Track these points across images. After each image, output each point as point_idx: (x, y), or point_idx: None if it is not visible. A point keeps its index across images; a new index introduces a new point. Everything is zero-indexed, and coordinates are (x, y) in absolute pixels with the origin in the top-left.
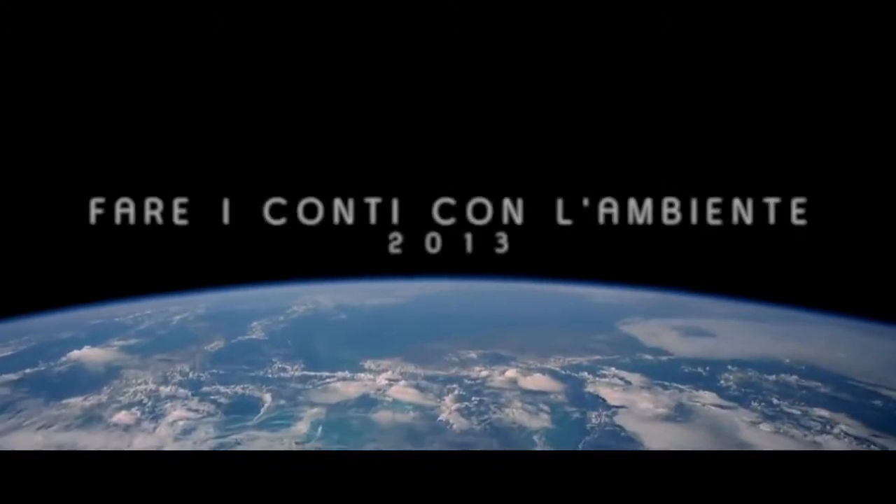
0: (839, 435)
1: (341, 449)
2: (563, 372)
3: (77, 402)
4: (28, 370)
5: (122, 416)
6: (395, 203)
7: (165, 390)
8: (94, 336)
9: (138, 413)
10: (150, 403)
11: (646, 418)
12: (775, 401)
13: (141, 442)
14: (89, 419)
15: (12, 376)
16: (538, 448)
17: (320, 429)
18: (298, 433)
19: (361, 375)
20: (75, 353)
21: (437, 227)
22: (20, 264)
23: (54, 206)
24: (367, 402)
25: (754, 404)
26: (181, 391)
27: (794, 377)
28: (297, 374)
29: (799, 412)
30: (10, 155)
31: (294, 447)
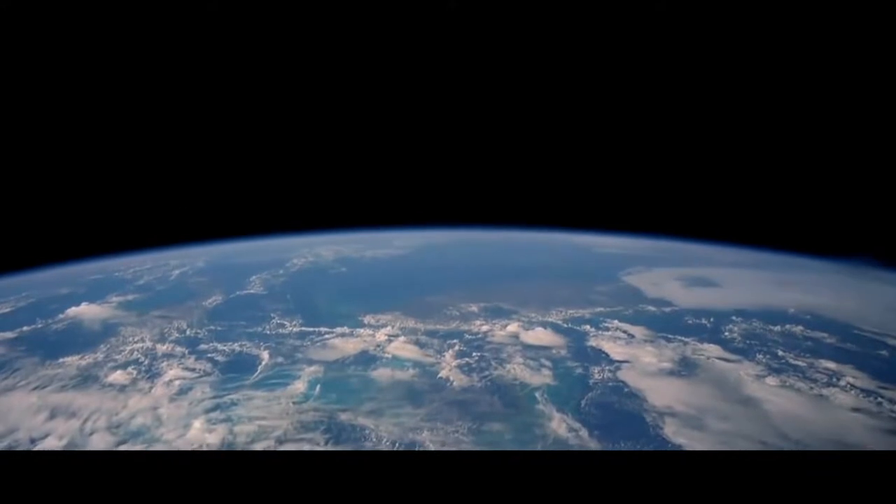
0: (846, 387)
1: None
2: (565, 325)
3: (73, 361)
4: (25, 328)
5: (118, 376)
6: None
7: (162, 348)
8: (92, 292)
9: (134, 372)
10: (146, 362)
11: (649, 373)
12: (780, 352)
13: (136, 402)
14: (85, 379)
15: (9, 334)
16: (540, 406)
17: (318, 388)
18: (296, 392)
19: (361, 331)
20: (73, 310)
21: (438, 176)
22: (22, 219)
23: (54, 161)
24: (365, 359)
25: (759, 356)
26: (178, 349)
27: (800, 327)
28: (296, 330)
29: (805, 364)
30: (10, 110)
31: (291, 407)
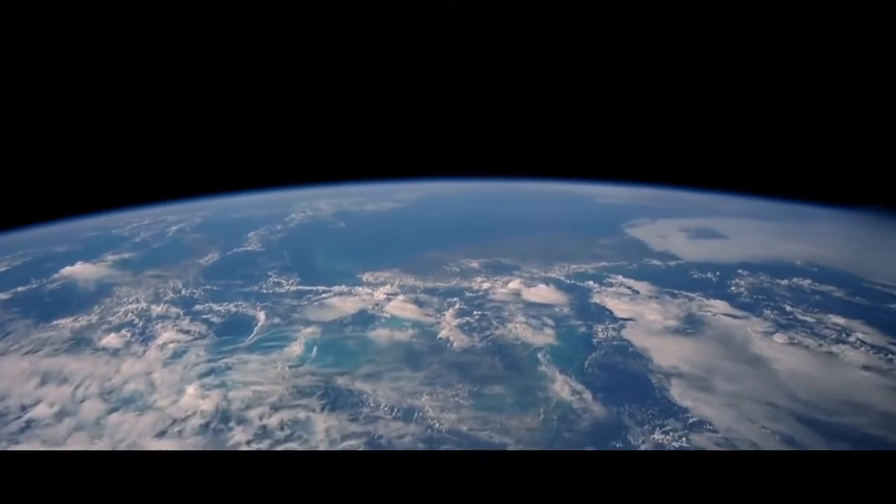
0: (855, 344)
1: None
2: (568, 281)
3: (67, 324)
4: (20, 288)
5: (111, 339)
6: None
7: (157, 309)
8: (88, 250)
9: (128, 335)
10: (140, 324)
11: (654, 331)
12: (788, 308)
13: (129, 367)
14: (77, 343)
15: (3, 295)
16: (543, 368)
17: (315, 350)
18: (292, 355)
19: (359, 289)
20: (68, 270)
21: (438, 127)
22: (22, 175)
23: (53, 117)
24: (364, 319)
25: (767, 312)
26: (173, 310)
27: (807, 281)
28: (293, 289)
29: (813, 320)
30: (5, 66)
31: (287, 371)
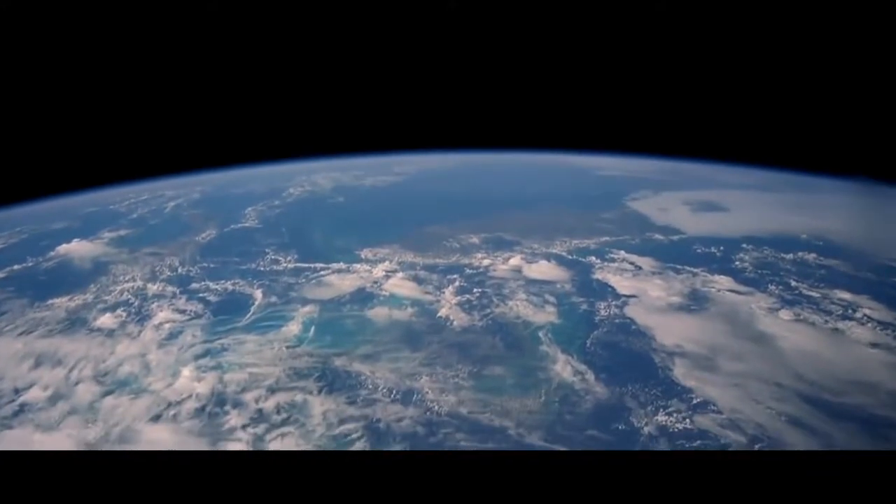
0: (862, 320)
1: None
2: (570, 257)
3: (62, 303)
4: (16, 266)
5: (107, 320)
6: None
7: (153, 288)
8: (86, 226)
9: (123, 315)
10: (136, 304)
11: (657, 308)
12: (793, 283)
13: (124, 349)
14: (73, 323)
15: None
16: (544, 347)
17: (312, 329)
18: (289, 335)
19: (357, 266)
20: (64, 247)
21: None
22: (20, 150)
23: (51, 92)
24: (362, 298)
25: (772, 287)
26: (169, 289)
27: (812, 255)
28: (291, 266)
29: (818, 295)
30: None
31: (284, 352)
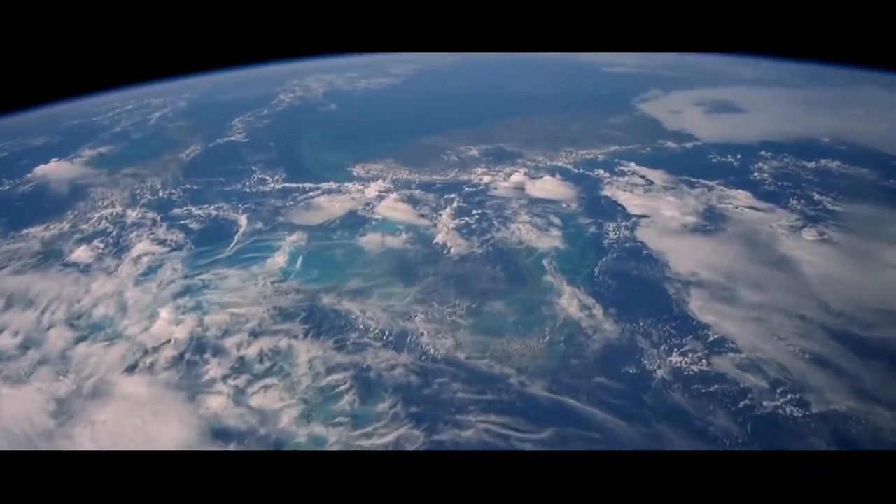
0: (892, 238)
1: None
2: (576, 171)
3: (37, 233)
4: None
5: (82, 253)
6: None
7: (132, 215)
8: (66, 143)
9: (101, 246)
10: (114, 233)
11: (671, 230)
12: (816, 196)
13: (99, 287)
14: (47, 257)
15: None
16: (549, 278)
17: (300, 261)
18: (275, 268)
19: (349, 186)
20: (42, 169)
21: None
22: (6, 59)
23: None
24: (353, 222)
25: (793, 202)
26: (149, 215)
27: (836, 163)
28: (278, 187)
29: (844, 210)
30: None
31: (269, 289)
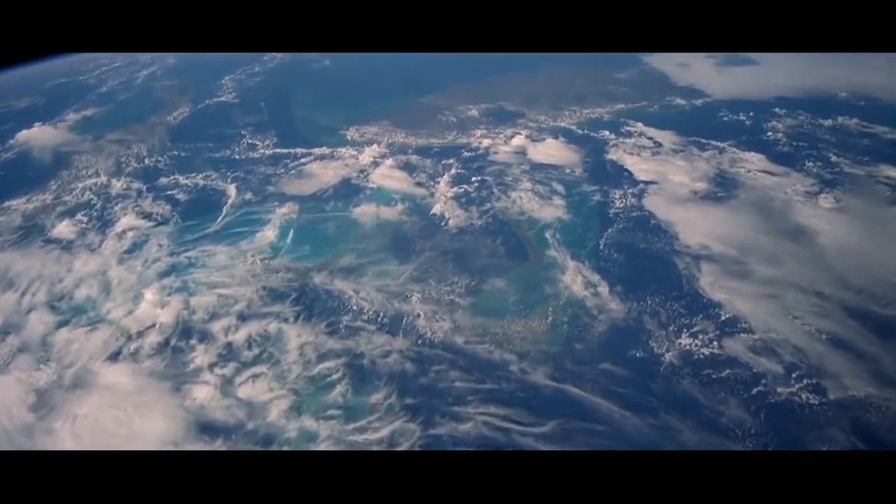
0: None
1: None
2: (580, 132)
3: (19, 206)
4: None
5: (65, 228)
6: None
7: (117, 185)
8: (50, 105)
9: (84, 220)
10: (98, 205)
11: (680, 198)
12: (833, 157)
13: (82, 265)
14: (28, 233)
15: None
16: (552, 252)
17: (290, 235)
18: (264, 243)
19: (342, 151)
20: (24, 135)
21: None
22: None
23: None
24: (347, 192)
25: (809, 164)
26: (135, 185)
27: (854, 120)
28: (269, 152)
29: (863, 173)
30: None
31: (258, 266)
